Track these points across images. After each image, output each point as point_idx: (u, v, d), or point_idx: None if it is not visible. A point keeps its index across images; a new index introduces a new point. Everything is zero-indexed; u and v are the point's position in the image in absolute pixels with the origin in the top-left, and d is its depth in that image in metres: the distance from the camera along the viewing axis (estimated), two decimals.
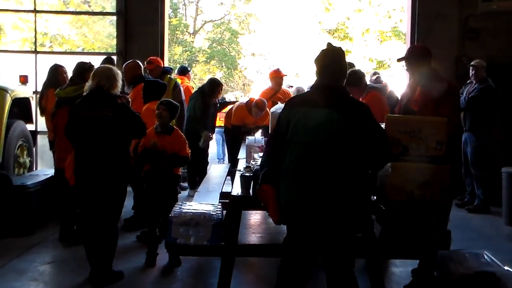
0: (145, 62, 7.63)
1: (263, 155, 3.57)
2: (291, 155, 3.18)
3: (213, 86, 8.19)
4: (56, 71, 6.71)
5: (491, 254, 4.15)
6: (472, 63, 7.75)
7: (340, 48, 3.42)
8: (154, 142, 5.14)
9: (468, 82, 7.81)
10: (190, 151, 5.38)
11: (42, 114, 6.89)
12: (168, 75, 7.84)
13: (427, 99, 4.30)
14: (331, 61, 3.32)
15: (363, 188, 3.19)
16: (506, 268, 3.89)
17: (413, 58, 4.57)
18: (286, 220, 3.25)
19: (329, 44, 3.43)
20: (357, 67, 6.17)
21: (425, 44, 8.95)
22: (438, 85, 4.32)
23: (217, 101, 8.51)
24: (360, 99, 5.23)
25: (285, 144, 3.23)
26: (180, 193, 5.35)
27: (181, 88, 7.92)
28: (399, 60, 4.80)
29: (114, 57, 9.02)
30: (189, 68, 10.61)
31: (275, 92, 8.92)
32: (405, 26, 10.16)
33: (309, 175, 3.10)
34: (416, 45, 4.71)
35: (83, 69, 5.94)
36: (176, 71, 9.73)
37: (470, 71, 7.72)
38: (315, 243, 3.17)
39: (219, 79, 9.21)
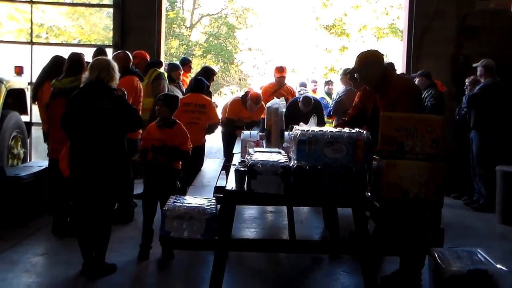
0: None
1: None
2: None
3: (207, 72, 8.31)
4: (58, 63, 6.49)
5: (484, 252, 4.15)
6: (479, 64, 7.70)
7: None
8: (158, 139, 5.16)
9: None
10: (191, 146, 5.35)
11: (34, 102, 6.82)
12: (154, 68, 7.72)
13: (386, 102, 4.31)
14: None
15: None
16: (498, 266, 3.89)
17: (363, 69, 4.53)
18: None
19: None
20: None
21: (422, 42, 9.06)
22: (394, 86, 4.31)
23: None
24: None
25: None
26: (180, 188, 5.32)
27: (164, 80, 7.67)
28: (349, 72, 4.75)
29: (111, 50, 8.98)
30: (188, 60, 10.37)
31: (277, 88, 8.90)
32: (402, 24, 10.16)
33: None
34: (363, 53, 4.62)
35: (79, 61, 5.91)
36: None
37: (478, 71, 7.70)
38: None
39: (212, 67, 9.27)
